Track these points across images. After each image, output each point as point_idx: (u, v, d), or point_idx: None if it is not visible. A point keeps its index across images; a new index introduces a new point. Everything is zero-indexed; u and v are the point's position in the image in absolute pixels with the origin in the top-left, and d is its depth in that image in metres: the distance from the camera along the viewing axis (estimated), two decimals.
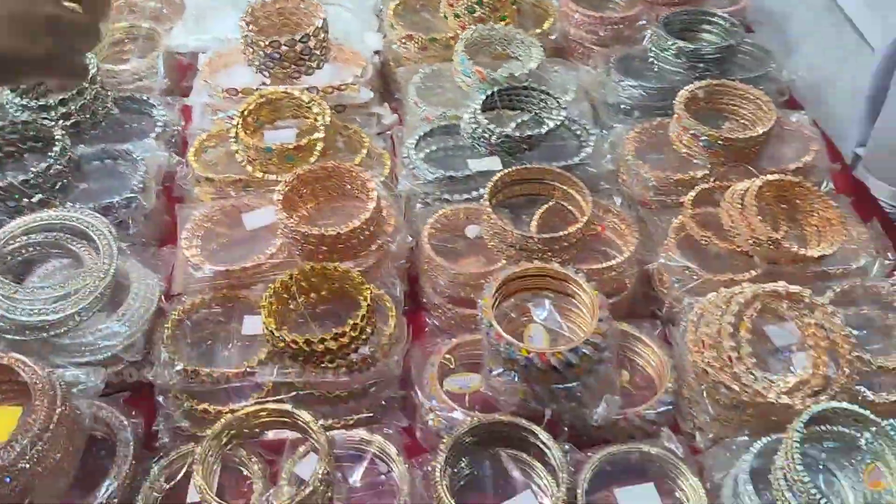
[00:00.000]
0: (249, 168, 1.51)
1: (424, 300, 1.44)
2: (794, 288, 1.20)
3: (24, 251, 1.34)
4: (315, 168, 1.42)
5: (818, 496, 1.03)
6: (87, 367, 1.25)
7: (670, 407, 1.26)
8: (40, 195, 1.39)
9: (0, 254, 1.32)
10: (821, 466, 1.19)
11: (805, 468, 1.10)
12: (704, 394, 1.22)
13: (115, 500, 1.15)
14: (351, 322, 1.20)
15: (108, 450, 1.21)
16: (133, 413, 1.25)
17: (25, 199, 1.38)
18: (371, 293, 1.25)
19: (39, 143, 1.50)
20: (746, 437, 1.19)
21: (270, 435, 1.23)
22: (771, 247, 1.28)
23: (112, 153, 1.53)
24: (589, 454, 1.19)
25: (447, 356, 1.32)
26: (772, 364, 1.22)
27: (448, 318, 1.40)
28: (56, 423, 1.09)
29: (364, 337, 1.24)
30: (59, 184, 1.42)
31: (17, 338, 1.24)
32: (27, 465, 1.05)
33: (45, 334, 1.25)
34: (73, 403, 1.18)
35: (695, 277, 1.34)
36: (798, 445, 1.08)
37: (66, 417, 1.11)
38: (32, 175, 1.37)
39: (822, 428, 1.14)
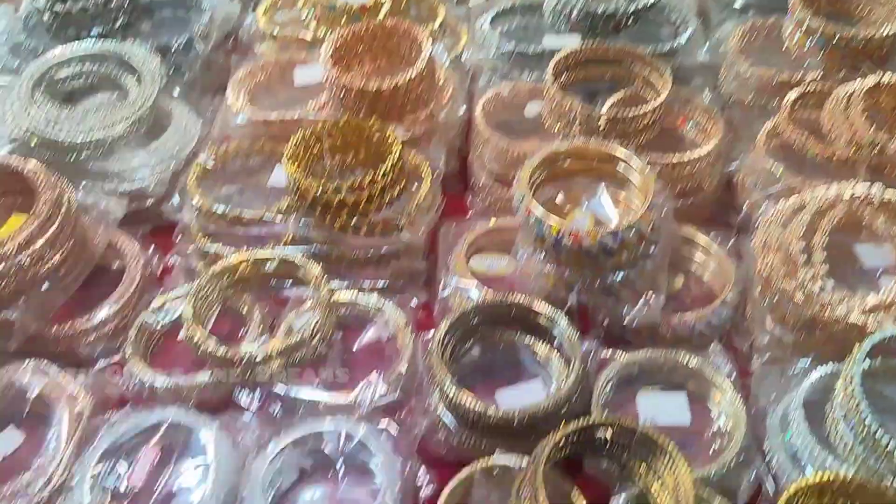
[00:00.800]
0: (314, 27, 1.43)
1: (472, 180, 1.32)
2: (893, 192, 0.99)
3: (74, 80, 1.33)
4: (372, 25, 1.32)
5: (875, 428, 0.85)
6: (112, 196, 1.22)
7: (725, 320, 1.08)
8: (99, 28, 1.37)
9: (50, 79, 1.31)
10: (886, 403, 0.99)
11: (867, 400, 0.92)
12: (767, 310, 1.04)
13: (111, 324, 1.12)
14: (371, 176, 1.10)
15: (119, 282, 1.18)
16: (150, 248, 1.22)
17: (84, 31, 1.37)
18: (401, 152, 1.14)
19: None
20: (807, 364, 1.00)
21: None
22: (874, 152, 1.07)
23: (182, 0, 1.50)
24: (616, 354, 1.04)
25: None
26: (854, 285, 1.02)
27: (493, 200, 1.27)
28: (59, 231, 1.06)
29: (388, 198, 1.13)
30: (120, 21, 1.40)
31: (53, 156, 1.23)
32: (24, 262, 1.03)
33: (78, 156, 1.23)
34: (88, 225, 1.16)
35: (780, 183, 1.14)
36: (861, 367, 0.90)
37: (71, 229, 1.09)
38: (92, 4, 1.35)
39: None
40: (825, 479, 0.85)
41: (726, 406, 0.99)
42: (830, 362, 0.96)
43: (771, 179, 1.15)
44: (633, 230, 1.02)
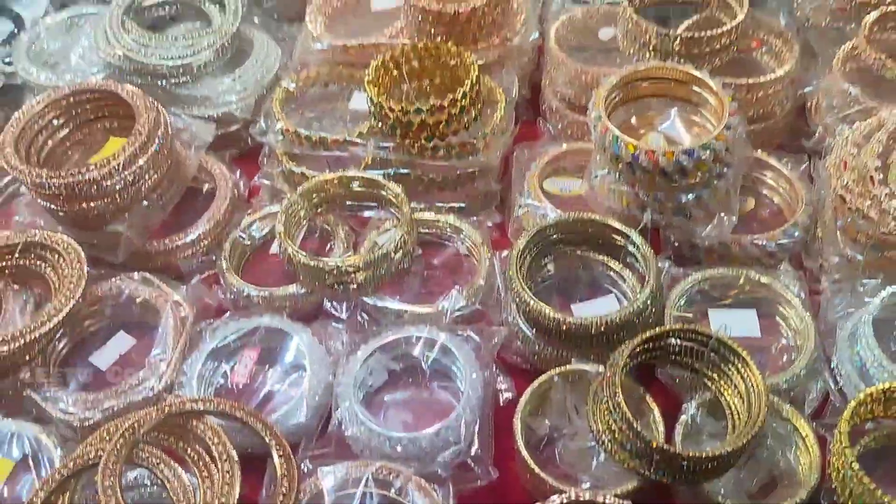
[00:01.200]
0: None
1: (544, 106, 1.35)
2: None
3: (159, 7, 1.39)
4: None
5: None
6: (200, 120, 1.28)
7: (794, 240, 1.10)
8: None
9: (138, 7, 1.37)
10: None
11: None
12: (839, 230, 1.06)
13: (206, 242, 1.19)
14: (451, 97, 1.14)
15: (210, 203, 1.24)
16: (238, 170, 1.28)
17: None
18: (478, 75, 1.17)
19: None
20: (877, 283, 1.02)
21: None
22: None
23: None
24: (688, 272, 1.08)
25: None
26: None
27: (565, 125, 1.30)
28: (158, 151, 1.12)
29: (465, 121, 1.17)
30: None
31: (143, 81, 1.29)
32: (128, 179, 1.09)
33: (167, 81, 1.29)
34: (180, 148, 1.22)
35: (856, 106, 1.14)
36: None
37: (167, 150, 1.15)
38: None
39: None
40: (891, 386, 0.89)
41: (796, 322, 1.03)
42: None
43: (847, 102, 1.16)
44: (709, 150, 1.04)
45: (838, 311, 1.03)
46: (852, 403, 0.87)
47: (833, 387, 0.98)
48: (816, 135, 1.20)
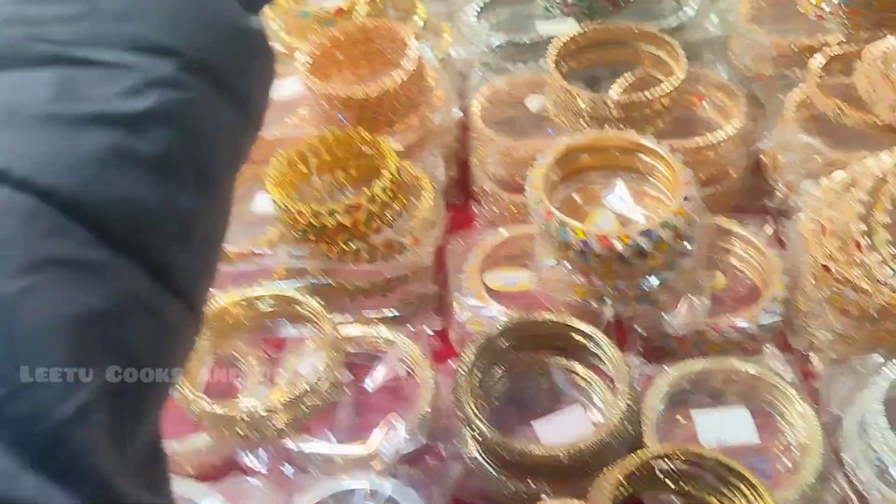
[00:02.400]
0: (286, 37, 1.31)
1: (474, 187, 1.20)
2: None
3: None
4: (349, 28, 1.20)
5: None
6: None
7: (777, 319, 0.97)
8: None
9: None
10: None
11: None
12: (825, 302, 0.92)
13: None
14: (368, 193, 0.98)
15: None
16: None
17: None
18: (398, 164, 1.02)
19: None
20: (880, 358, 0.89)
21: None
22: None
23: None
24: (664, 368, 0.93)
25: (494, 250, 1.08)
26: None
27: (500, 208, 1.15)
28: None
29: (388, 217, 1.01)
30: None
31: None
32: None
33: None
34: None
35: (818, 157, 1.03)
36: None
37: None
38: None
39: None
40: None
41: (795, 416, 0.88)
42: None
43: (808, 156, 1.04)
44: (668, 228, 0.91)
45: (841, 397, 0.89)
46: None
47: (851, 493, 0.83)
48: (779, 193, 1.08)
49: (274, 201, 1.02)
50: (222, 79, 0.47)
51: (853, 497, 0.82)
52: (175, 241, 0.44)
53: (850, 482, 0.84)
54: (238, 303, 1.01)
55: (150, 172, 0.43)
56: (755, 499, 0.74)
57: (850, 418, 0.87)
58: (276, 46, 1.30)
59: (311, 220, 0.98)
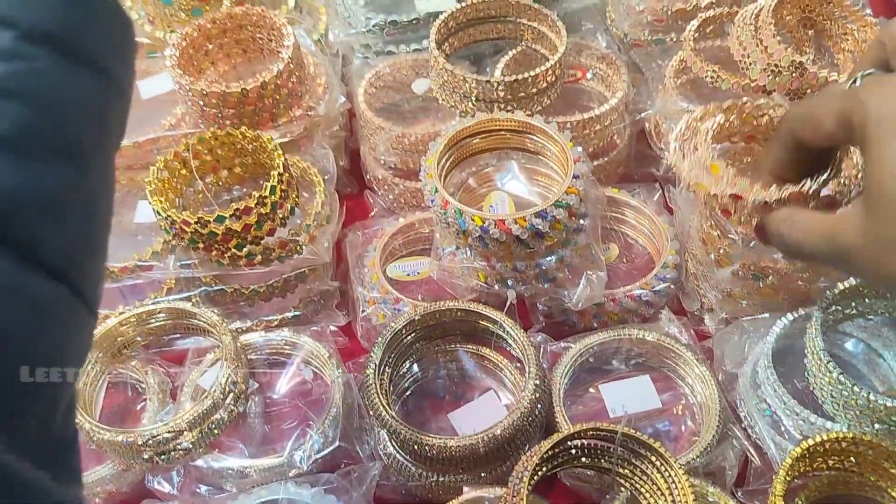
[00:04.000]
0: (149, 28, 1.23)
1: (368, 176, 1.18)
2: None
3: None
4: (217, 16, 1.14)
5: (841, 380, 0.80)
6: None
7: (671, 284, 1.00)
8: None
9: None
10: (861, 345, 0.95)
11: (836, 345, 0.87)
12: (713, 263, 0.96)
13: None
14: (257, 195, 0.94)
15: None
16: None
17: None
18: (285, 160, 0.99)
19: None
20: (767, 316, 0.93)
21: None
22: (794, 74, 1.00)
23: None
24: (567, 344, 0.95)
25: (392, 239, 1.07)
26: None
27: (396, 195, 1.14)
28: None
29: (280, 216, 0.98)
30: None
31: None
32: None
33: None
34: None
35: None
36: (822, 315, 0.85)
37: None
38: None
39: (865, 299, 0.90)
40: (815, 443, 0.79)
41: (693, 378, 0.92)
42: (800, 309, 0.89)
43: None
44: (562, 207, 0.92)
45: (735, 356, 0.93)
46: (780, 476, 0.77)
47: (749, 445, 0.87)
48: (664, 160, 1.11)
49: (155, 211, 0.96)
50: (70, 47, 0.46)
51: (751, 450, 0.87)
52: (42, 219, 0.42)
53: (749, 436, 0.88)
54: (128, 320, 0.96)
55: (2, 150, 0.41)
56: (662, 466, 0.77)
57: (744, 375, 0.91)
58: (142, 39, 1.23)
59: (198, 229, 0.94)
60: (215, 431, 0.88)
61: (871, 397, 0.79)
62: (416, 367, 0.94)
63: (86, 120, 0.47)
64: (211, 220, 0.93)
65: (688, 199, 1.01)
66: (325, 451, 0.88)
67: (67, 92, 0.45)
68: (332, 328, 1.01)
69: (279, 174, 0.96)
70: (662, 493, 0.77)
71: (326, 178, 1.06)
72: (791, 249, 0.61)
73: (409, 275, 1.04)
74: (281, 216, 0.98)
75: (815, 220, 0.59)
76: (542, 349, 0.94)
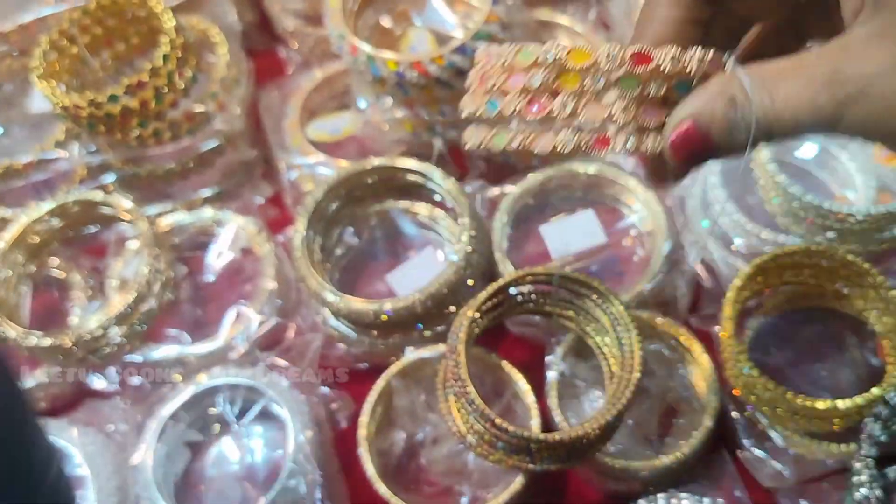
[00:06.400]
0: None
1: (280, 30, 1.08)
2: None
3: None
4: None
5: (791, 191, 0.75)
6: None
7: None
8: None
9: None
10: (816, 148, 0.89)
11: (789, 153, 0.83)
12: None
13: None
14: (150, 66, 0.86)
15: None
16: None
17: None
18: (177, 24, 0.89)
19: None
20: None
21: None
22: None
23: None
24: (506, 188, 0.89)
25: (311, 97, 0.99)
26: None
27: (310, 47, 1.04)
28: None
29: (181, 87, 0.89)
30: None
31: None
32: None
33: None
34: None
35: None
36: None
37: None
38: None
39: None
40: (767, 258, 0.76)
41: (639, 206, 0.87)
42: None
43: None
44: (483, 37, 0.83)
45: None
46: (730, 296, 0.73)
47: (701, 269, 0.84)
48: None
49: (46, 97, 0.88)
50: None
51: (702, 274, 0.83)
52: None
53: (700, 258, 0.85)
54: (41, 219, 0.90)
55: None
56: (602, 302, 0.74)
57: (692, 196, 0.87)
58: None
59: (94, 111, 0.86)
60: (147, 321, 0.85)
61: (825, 205, 0.75)
62: (348, 233, 0.89)
63: None
64: (104, 100, 0.85)
65: (626, 14, 0.92)
66: (265, 329, 0.84)
67: None
68: (260, 200, 0.95)
69: (171, 40, 0.87)
70: (607, 330, 0.74)
71: (231, 36, 0.97)
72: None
73: (331, 133, 0.97)
74: (181, 86, 0.89)
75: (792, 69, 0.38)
76: (479, 196, 0.89)
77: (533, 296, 0.76)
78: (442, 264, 0.86)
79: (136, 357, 0.84)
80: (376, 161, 0.85)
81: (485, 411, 0.67)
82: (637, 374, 0.68)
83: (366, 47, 0.83)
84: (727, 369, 0.74)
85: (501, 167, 0.95)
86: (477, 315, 0.73)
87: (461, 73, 0.83)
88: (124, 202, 0.88)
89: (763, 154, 0.79)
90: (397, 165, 0.85)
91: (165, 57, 0.86)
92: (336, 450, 0.78)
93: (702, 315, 0.82)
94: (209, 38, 0.96)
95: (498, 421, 0.66)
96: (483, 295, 0.73)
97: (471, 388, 0.67)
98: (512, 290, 0.76)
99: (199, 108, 0.91)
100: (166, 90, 0.88)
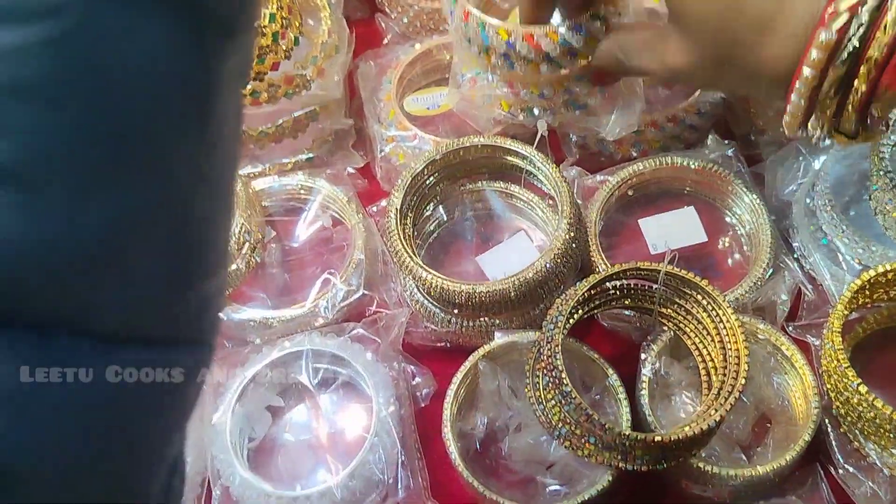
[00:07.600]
0: None
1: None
2: None
3: None
4: None
5: None
6: None
7: (716, 103, 0.91)
8: None
9: None
10: None
11: None
12: None
13: None
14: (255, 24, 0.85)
15: None
16: None
17: None
18: None
19: None
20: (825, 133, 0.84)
21: None
22: None
23: None
24: (604, 177, 0.87)
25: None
26: None
27: (411, 18, 1.03)
28: None
29: (284, 48, 0.88)
30: None
31: None
32: None
33: None
34: None
35: None
36: (888, 132, 0.75)
37: None
38: None
39: None
40: (878, 273, 0.73)
41: (742, 208, 0.85)
42: None
43: None
44: (599, 20, 0.81)
45: (789, 181, 0.85)
46: (840, 309, 0.71)
47: (802, 278, 0.81)
48: None
49: None
50: None
51: (805, 282, 0.81)
52: (87, 274, 0.29)
53: (802, 268, 0.82)
54: None
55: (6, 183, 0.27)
56: (708, 304, 0.72)
57: (798, 202, 0.84)
58: None
59: None
60: (233, 283, 0.84)
61: None
62: (440, 210, 0.88)
63: (162, 100, 0.30)
64: None
65: None
66: (351, 300, 0.84)
67: (130, 54, 0.29)
68: (350, 170, 0.94)
69: (278, 2, 0.86)
70: (709, 333, 0.72)
71: (333, 1, 0.95)
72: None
73: (428, 108, 0.95)
74: (284, 48, 0.88)
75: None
76: (575, 184, 0.87)
77: (633, 290, 0.75)
78: (533, 250, 0.85)
79: (221, 316, 0.84)
80: (480, 139, 0.83)
81: (581, 405, 0.65)
82: (742, 381, 0.66)
83: (478, 13, 0.81)
84: (828, 382, 0.72)
85: (597, 156, 0.93)
86: (576, 305, 0.71)
87: (571, 52, 0.81)
88: None
89: (880, 162, 0.75)
90: (500, 145, 0.83)
91: (272, 17, 0.85)
92: (417, 432, 0.77)
93: (801, 325, 0.79)
94: (312, 1, 0.95)
95: (594, 416, 0.65)
96: (584, 286, 0.71)
97: (567, 381, 0.65)
98: (613, 283, 0.74)
99: (299, 72, 0.90)
100: (269, 51, 0.87)
